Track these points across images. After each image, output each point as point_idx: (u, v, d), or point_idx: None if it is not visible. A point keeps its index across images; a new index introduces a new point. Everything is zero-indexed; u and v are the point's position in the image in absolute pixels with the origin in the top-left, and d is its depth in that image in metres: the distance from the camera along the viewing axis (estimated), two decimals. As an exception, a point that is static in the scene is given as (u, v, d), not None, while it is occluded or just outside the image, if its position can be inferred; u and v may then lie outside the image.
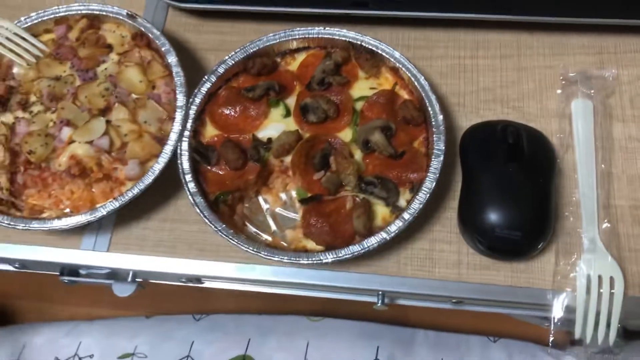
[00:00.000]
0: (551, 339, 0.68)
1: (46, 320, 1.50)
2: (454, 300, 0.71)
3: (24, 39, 0.80)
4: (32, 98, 0.77)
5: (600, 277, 0.67)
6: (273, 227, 0.72)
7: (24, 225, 0.69)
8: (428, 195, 0.67)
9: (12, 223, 0.69)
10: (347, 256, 0.65)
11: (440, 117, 0.71)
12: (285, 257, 0.66)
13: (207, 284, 0.76)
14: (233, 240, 0.66)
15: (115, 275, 0.74)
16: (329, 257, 0.65)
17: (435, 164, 0.68)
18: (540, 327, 0.87)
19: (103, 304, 1.49)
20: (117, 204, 0.69)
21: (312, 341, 1.12)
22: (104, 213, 0.68)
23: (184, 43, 0.85)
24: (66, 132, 0.72)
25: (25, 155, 0.71)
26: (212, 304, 1.30)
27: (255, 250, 0.66)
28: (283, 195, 0.74)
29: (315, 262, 0.65)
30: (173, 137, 0.72)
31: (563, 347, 0.69)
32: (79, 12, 0.81)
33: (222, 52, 0.84)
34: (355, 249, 0.65)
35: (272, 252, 0.66)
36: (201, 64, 0.84)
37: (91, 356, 1.13)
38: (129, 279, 0.74)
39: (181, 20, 0.87)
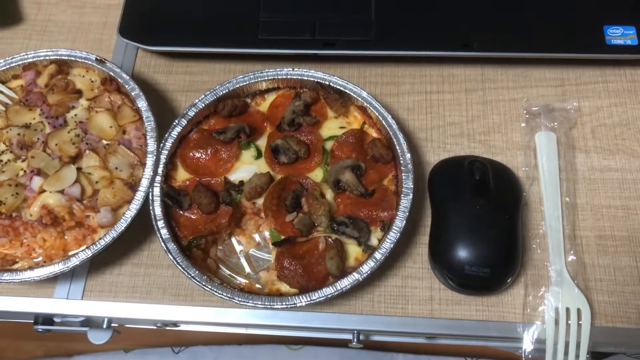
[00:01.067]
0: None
1: (23, 358, 1.49)
2: (426, 336, 0.72)
3: (-9, 86, 0.79)
4: (2, 147, 0.76)
5: (568, 309, 0.68)
6: (247, 269, 0.73)
7: (-6, 278, 0.68)
8: (399, 234, 0.68)
9: (-20, 277, 0.68)
10: (320, 299, 0.66)
11: (408, 155, 0.72)
12: (259, 302, 0.66)
13: (183, 327, 0.76)
14: (207, 287, 0.67)
15: (90, 322, 0.74)
16: (303, 301, 0.66)
17: (405, 202, 0.70)
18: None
19: (80, 338, 1.47)
20: (89, 253, 0.69)
21: (292, 370, 1.13)
22: (77, 262, 0.68)
23: (153, 85, 0.86)
24: (37, 181, 0.72)
25: (-4, 206, 0.71)
26: (191, 335, 1.30)
27: (229, 296, 0.66)
28: (257, 237, 0.75)
29: (289, 306, 0.66)
30: (145, 182, 0.72)
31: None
32: (47, 57, 0.81)
33: (192, 93, 0.85)
34: (328, 291, 0.66)
35: (246, 297, 0.67)
36: (172, 105, 0.84)
37: None
38: (104, 326, 0.74)
39: (150, 61, 0.88)
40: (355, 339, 0.71)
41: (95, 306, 0.72)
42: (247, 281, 0.72)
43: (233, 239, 0.75)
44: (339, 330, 0.72)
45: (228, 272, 0.72)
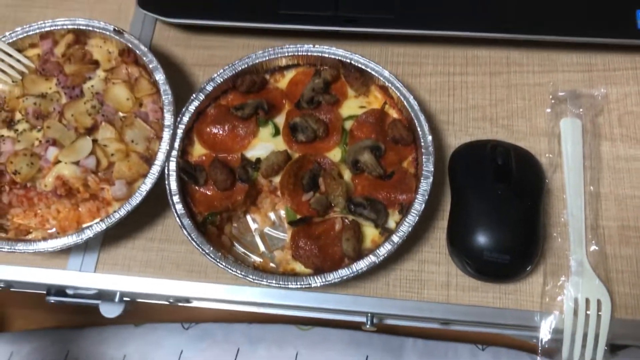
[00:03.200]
0: (538, 359, 0.68)
1: (33, 328, 1.49)
2: (441, 322, 0.71)
3: (8, 54, 0.78)
4: (18, 116, 0.75)
5: (587, 300, 0.67)
6: (262, 247, 0.72)
7: (9, 247, 0.68)
8: (417, 217, 0.67)
9: (-2, 246, 0.68)
10: (335, 280, 0.65)
11: (430, 137, 0.70)
12: (274, 281, 0.65)
13: (195, 304, 0.76)
14: (221, 264, 0.66)
15: (103, 295, 0.74)
16: (318, 282, 0.65)
17: (425, 185, 0.68)
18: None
19: (90, 310, 1.48)
20: (104, 226, 0.68)
21: (301, 350, 1.12)
22: (91, 235, 0.68)
23: (171, 58, 0.84)
24: (52, 152, 0.71)
25: (10, 175, 0.70)
26: (201, 312, 1.30)
27: (243, 273, 0.66)
28: (272, 215, 0.74)
29: (303, 286, 0.65)
30: (160, 157, 0.71)
31: (552, 356, 0.69)
32: (65, 26, 0.80)
33: (210, 67, 0.84)
34: (344, 272, 0.65)
35: (260, 275, 0.66)
36: (189, 80, 0.83)
37: None
38: (117, 300, 0.73)
39: (169, 34, 0.86)
40: (369, 322, 0.70)
41: (108, 279, 0.72)
42: (261, 260, 0.71)
43: (248, 217, 0.74)
44: (353, 312, 0.71)
45: (242, 250, 0.72)
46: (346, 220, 0.69)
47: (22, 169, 0.70)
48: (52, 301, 0.75)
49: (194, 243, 0.67)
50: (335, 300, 0.70)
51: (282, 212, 0.73)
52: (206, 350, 1.17)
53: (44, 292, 0.76)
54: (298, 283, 0.65)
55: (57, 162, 0.71)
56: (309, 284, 0.65)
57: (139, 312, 1.40)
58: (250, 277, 0.65)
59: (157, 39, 0.86)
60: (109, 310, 0.73)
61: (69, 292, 0.74)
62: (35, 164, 0.71)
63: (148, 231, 0.74)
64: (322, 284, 0.65)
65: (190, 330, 1.24)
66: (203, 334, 1.24)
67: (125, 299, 0.74)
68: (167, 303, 0.76)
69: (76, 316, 1.49)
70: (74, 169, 0.70)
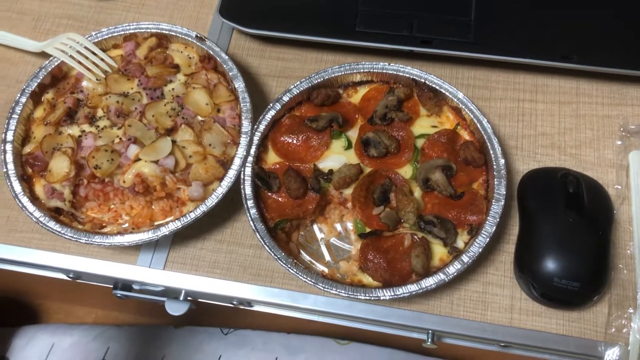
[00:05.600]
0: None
1: (72, 322, 1.52)
2: (502, 344, 0.71)
3: (93, 53, 0.81)
4: (99, 113, 0.78)
5: (654, 334, 0.67)
6: (327, 257, 0.73)
7: (86, 239, 0.70)
8: (488, 239, 0.67)
9: (75, 236, 0.70)
10: (404, 295, 0.66)
11: (502, 161, 0.71)
12: (343, 291, 0.66)
13: (257, 308, 0.77)
14: (291, 270, 0.67)
15: (169, 293, 0.75)
16: (387, 295, 0.66)
17: (496, 208, 0.69)
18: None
19: (128, 308, 1.50)
20: (179, 224, 0.70)
21: (340, 364, 1.12)
22: (166, 232, 0.70)
23: (246, 67, 0.87)
24: (133, 149, 0.73)
25: (91, 169, 0.72)
26: (239, 317, 1.31)
27: (313, 281, 0.67)
28: (338, 226, 0.75)
29: (372, 298, 0.66)
30: (237, 162, 0.73)
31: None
32: (149, 30, 0.82)
33: (283, 79, 0.86)
34: (412, 288, 0.66)
35: (329, 284, 0.67)
36: (262, 89, 0.85)
37: None
38: (181, 298, 0.75)
39: (245, 44, 0.89)
40: (429, 339, 0.71)
41: (177, 278, 0.73)
42: (326, 269, 0.72)
43: (315, 226, 0.75)
44: (414, 328, 0.71)
45: (308, 257, 0.73)
46: (415, 237, 0.70)
47: (103, 164, 0.73)
48: (119, 295, 0.76)
49: (267, 248, 0.68)
50: (398, 315, 0.71)
51: (349, 224, 0.74)
52: (244, 357, 1.18)
53: (110, 286, 0.77)
54: (367, 295, 0.66)
55: (137, 160, 0.73)
56: (378, 297, 0.66)
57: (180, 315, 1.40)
58: (320, 285, 0.67)
59: (232, 47, 0.89)
60: (175, 308, 0.74)
61: (136, 287, 0.76)
62: (115, 160, 0.73)
63: (217, 233, 0.76)
64: (390, 297, 0.66)
65: (230, 336, 1.25)
66: (242, 340, 1.25)
67: (189, 298, 0.76)
68: (230, 305, 0.77)
69: (114, 313, 1.52)
70: (153, 168, 0.72)
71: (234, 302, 0.76)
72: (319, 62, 0.87)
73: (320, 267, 0.72)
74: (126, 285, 0.76)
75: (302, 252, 0.73)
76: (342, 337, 1.26)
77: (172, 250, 0.75)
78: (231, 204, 0.74)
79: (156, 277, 0.74)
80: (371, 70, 0.79)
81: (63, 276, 0.79)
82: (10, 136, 0.76)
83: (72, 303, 1.55)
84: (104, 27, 0.84)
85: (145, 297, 0.77)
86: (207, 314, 1.35)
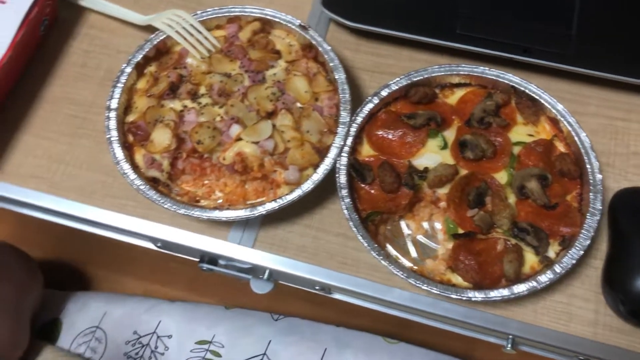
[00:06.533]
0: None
1: (119, 291, 1.54)
2: (581, 357, 0.72)
3: (198, 31, 0.83)
4: (201, 90, 0.80)
5: None
6: (413, 253, 0.74)
7: (185, 210, 0.72)
8: (582, 252, 0.68)
9: (173, 207, 0.72)
10: (496, 298, 0.66)
11: (599, 176, 0.72)
12: (435, 289, 0.67)
13: (336, 296, 0.78)
14: (384, 262, 0.68)
15: (254, 271, 0.77)
16: (479, 297, 0.66)
17: (591, 222, 0.69)
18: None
19: (178, 285, 1.52)
20: (275, 205, 0.71)
21: (388, 363, 1.12)
22: (263, 212, 0.71)
23: (341, 59, 0.87)
24: (235, 129, 0.75)
25: (194, 144, 0.74)
26: (286, 304, 1.32)
27: (405, 275, 0.68)
28: (425, 224, 0.76)
29: (463, 298, 0.66)
30: (334, 150, 0.74)
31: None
32: (253, 14, 0.84)
33: (377, 74, 0.87)
34: (504, 292, 0.67)
35: (421, 280, 0.68)
36: (356, 82, 0.86)
37: (169, 337, 1.15)
38: (265, 277, 0.77)
39: (340, 36, 0.90)
40: (509, 345, 0.71)
41: (265, 257, 0.75)
42: (412, 265, 0.73)
43: (402, 222, 0.76)
44: (496, 332, 0.72)
45: (395, 252, 0.74)
46: (508, 243, 0.70)
47: (205, 140, 0.75)
48: (204, 268, 0.78)
49: (360, 237, 0.69)
50: (482, 318, 0.71)
51: (436, 224, 0.75)
52: (293, 344, 1.18)
53: (196, 259, 0.79)
54: (459, 294, 0.67)
55: (238, 139, 0.75)
56: (469, 298, 0.66)
57: (226, 291, 1.41)
58: (412, 280, 0.68)
59: (328, 39, 0.90)
60: (260, 287, 0.76)
61: (222, 262, 0.78)
62: (216, 138, 0.75)
63: (306, 218, 0.77)
64: (482, 299, 0.66)
65: (279, 322, 1.26)
66: (291, 327, 1.25)
67: (272, 279, 0.77)
68: (309, 290, 0.79)
69: (165, 288, 1.54)
70: (254, 148, 0.74)
71: (317, 288, 0.77)
72: (412, 60, 0.88)
73: (407, 263, 0.73)
74: (212, 259, 0.78)
75: (388, 245, 0.74)
76: (390, 335, 1.26)
77: (261, 230, 0.77)
78: (319, 191, 0.75)
79: (246, 255, 0.75)
80: (470, 74, 0.80)
81: (149, 245, 0.82)
82: (114, 104, 0.78)
83: (120, 273, 1.58)
84: (203, 7, 0.85)
85: (230, 273, 0.78)
86: (252, 297, 1.35)
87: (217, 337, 1.17)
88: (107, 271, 1.59)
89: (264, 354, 1.16)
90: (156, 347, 1.16)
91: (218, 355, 1.09)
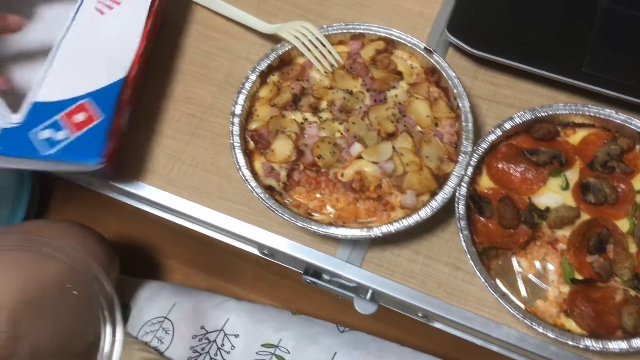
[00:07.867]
0: None
1: (185, 283, 1.57)
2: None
3: (323, 45, 0.83)
4: (322, 104, 0.80)
5: None
6: (523, 292, 0.73)
7: (302, 223, 0.72)
8: None
9: (292, 218, 0.73)
10: (613, 350, 0.65)
11: None
12: (550, 333, 0.66)
13: (436, 325, 0.78)
14: (501, 300, 0.68)
15: (357, 290, 0.77)
16: (596, 347, 0.65)
17: None
18: None
19: (242, 284, 1.54)
20: (392, 229, 0.72)
21: (448, 389, 1.11)
22: (379, 234, 0.71)
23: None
24: (357, 147, 0.75)
25: (315, 158, 0.75)
26: (349, 316, 1.32)
27: (521, 315, 0.67)
28: (537, 264, 0.75)
29: (580, 346, 0.65)
30: (454, 179, 0.74)
31: None
32: (377, 33, 0.84)
33: (494, 103, 0.86)
34: (622, 345, 0.65)
35: (537, 322, 0.67)
36: (473, 110, 0.85)
37: (236, 335, 1.16)
38: (368, 297, 0.77)
39: (459, 62, 0.89)
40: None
41: (374, 278, 0.75)
42: (521, 304, 0.72)
43: (513, 259, 0.75)
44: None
45: (504, 289, 0.73)
46: (628, 294, 0.69)
47: (326, 155, 0.75)
48: (308, 280, 0.79)
49: (478, 273, 0.69)
50: (580, 363, 0.70)
51: (549, 264, 0.74)
52: (359, 358, 1.18)
53: (300, 271, 0.80)
54: (575, 342, 0.66)
55: (359, 157, 0.75)
56: (587, 346, 0.65)
57: (290, 295, 1.42)
58: (527, 320, 0.67)
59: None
60: (364, 307, 0.77)
61: (325, 276, 0.78)
62: (336, 154, 0.76)
63: (415, 244, 0.77)
64: (600, 349, 0.65)
65: (345, 335, 1.25)
66: (357, 341, 1.25)
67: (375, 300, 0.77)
68: (407, 315, 0.78)
69: (229, 285, 1.56)
70: (374, 169, 0.74)
71: (419, 314, 0.77)
72: (530, 93, 0.87)
73: (516, 301, 0.72)
74: (317, 273, 0.79)
75: (497, 281, 0.74)
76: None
77: (369, 250, 0.77)
78: (431, 219, 0.75)
79: (354, 273, 0.76)
80: (596, 115, 0.79)
81: (254, 250, 0.83)
82: (238, 110, 0.79)
83: (190, 267, 1.61)
84: (323, 19, 0.86)
85: (332, 288, 0.79)
86: (316, 305, 1.34)
87: (283, 342, 1.18)
88: (178, 263, 1.62)
89: (329, 364, 1.15)
90: (222, 345, 1.17)
91: (283, 360, 1.09)
